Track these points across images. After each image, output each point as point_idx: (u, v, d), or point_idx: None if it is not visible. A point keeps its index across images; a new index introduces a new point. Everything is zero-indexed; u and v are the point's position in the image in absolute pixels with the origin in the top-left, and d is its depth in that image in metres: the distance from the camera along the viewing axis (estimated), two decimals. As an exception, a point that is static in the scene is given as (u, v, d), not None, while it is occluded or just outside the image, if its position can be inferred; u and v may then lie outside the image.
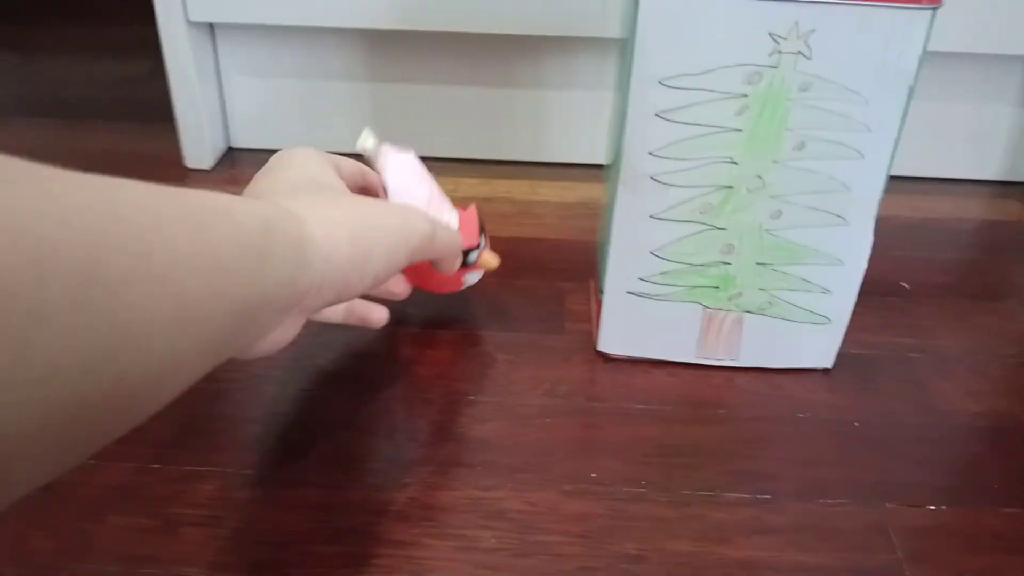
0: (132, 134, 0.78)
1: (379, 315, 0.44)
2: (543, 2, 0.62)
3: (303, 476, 0.41)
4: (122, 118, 0.81)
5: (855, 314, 0.48)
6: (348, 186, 0.38)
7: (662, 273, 0.47)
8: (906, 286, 0.58)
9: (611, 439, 0.45)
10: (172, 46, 0.66)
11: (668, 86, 0.40)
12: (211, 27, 0.69)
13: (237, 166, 0.72)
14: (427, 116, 0.72)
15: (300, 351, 0.49)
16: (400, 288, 0.45)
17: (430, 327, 0.53)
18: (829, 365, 0.50)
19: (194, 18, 0.65)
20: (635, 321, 0.49)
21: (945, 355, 0.52)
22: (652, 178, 0.43)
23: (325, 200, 0.34)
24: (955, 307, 0.57)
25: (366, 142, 0.45)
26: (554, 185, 0.71)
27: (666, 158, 0.42)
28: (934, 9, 0.38)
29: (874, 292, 0.57)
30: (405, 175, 0.45)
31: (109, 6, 1.12)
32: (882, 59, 0.39)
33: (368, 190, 0.44)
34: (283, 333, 0.31)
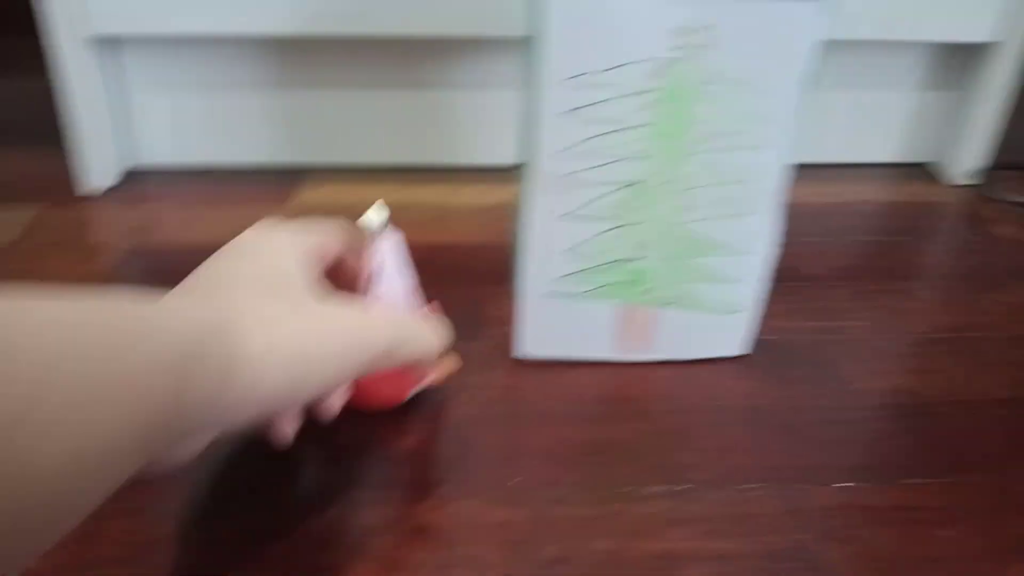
0: (24, 157, 0.74)
1: (283, 434, 0.37)
2: (449, 3, 0.62)
3: (219, 508, 0.40)
4: (12, 140, 0.78)
5: (768, 301, 0.49)
6: (328, 268, 0.36)
7: (577, 272, 0.47)
8: (812, 272, 0.60)
9: (531, 444, 0.44)
10: (67, 60, 0.63)
11: (577, 84, 0.40)
12: (111, 41, 0.66)
13: (141, 185, 0.70)
14: (339, 122, 0.71)
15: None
16: (333, 405, 0.39)
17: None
18: (741, 352, 0.51)
19: (95, 32, 0.62)
20: (552, 322, 0.49)
21: (854, 337, 0.53)
22: (563, 176, 0.43)
23: (283, 308, 0.31)
24: (863, 290, 0.59)
25: (373, 221, 0.42)
26: (471, 189, 0.70)
27: (576, 156, 0.42)
28: (829, 3, 0.39)
29: (786, 279, 0.58)
30: (392, 263, 0.42)
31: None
32: (777, 53, 0.40)
33: (345, 270, 0.41)
34: (195, 445, 0.29)
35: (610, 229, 0.45)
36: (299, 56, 0.68)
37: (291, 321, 0.31)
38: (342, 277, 0.40)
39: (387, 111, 0.70)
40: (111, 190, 0.69)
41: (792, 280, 0.59)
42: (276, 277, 0.33)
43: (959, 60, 0.72)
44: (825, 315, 0.56)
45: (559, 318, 0.48)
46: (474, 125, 0.71)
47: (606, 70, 0.40)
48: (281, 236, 0.36)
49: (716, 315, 0.49)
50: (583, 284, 0.47)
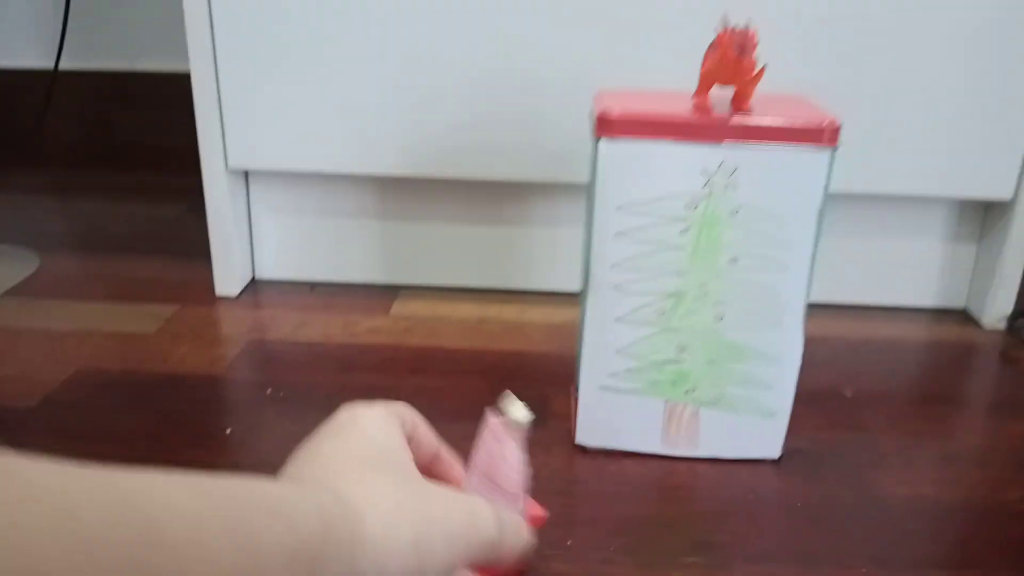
0: (164, 266, 0.88)
1: None
2: (529, 153, 0.74)
3: None
4: (155, 252, 0.92)
5: (804, 414, 0.55)
6: (418, 457, 0.36)
7: (627, 370, 0.54)
8: (848, 394, 0.66)
9: (585, 515, 0.51)
10: (212, 187, 0.77)
11: (624, 211, 0.50)
12: (245, 173, 0.80)
13: (261, 294, 0.82)
14: (430, 249, 0.82)
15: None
16: None
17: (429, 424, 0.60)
18: (776, 456, 0.56)
19: (233, 166, 0.76)
20: (607, 414, 0.56)
21: (883, 450, 0.59)
22: (615, 287, 0.52)
23: (390, 485, 0.32)
24: (894, 411, 0.64)
25: (509, 411, 0.42)
26: (541, 309, 0.80)
27: (625, 270, 0.51)
28: (832, 150, 0.48)
29: (821, 397, 0.65)
30: (515, 456, 0.41)
31: (145, 156, 1.26)
32: (794, 189, 0.49)
33: (438, 465, 0.41)
34: None
35: (655, 333, 0.53)
36: (399, 192, 0.80)
37: (406, 501, 0.31)
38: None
39: (471, 241, 0.82)
40: (237, 296, 0.81)
41: (829, 398, 0.65)
42: (380, 454, 0.33)
43: (986, 214, 0.79)
44: (857, 429, 0.61)
45: (613, 411, 0.56)
46: (546, 256, 0.82)
47: (648, 202, 0.49)
48: (375, 413, 0.36)
49: (753, 418, 0.55)
50: (633, 381, 0.55)
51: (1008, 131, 0.72)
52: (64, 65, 1.34)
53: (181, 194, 1.08)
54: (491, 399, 0.63)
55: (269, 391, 0.63)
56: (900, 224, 0.80)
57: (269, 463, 0.54)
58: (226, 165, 0.76)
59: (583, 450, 0.57)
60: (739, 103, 0.48)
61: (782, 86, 0.70)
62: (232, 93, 0.73)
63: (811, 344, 0.77)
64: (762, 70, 0.46)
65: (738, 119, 0.48)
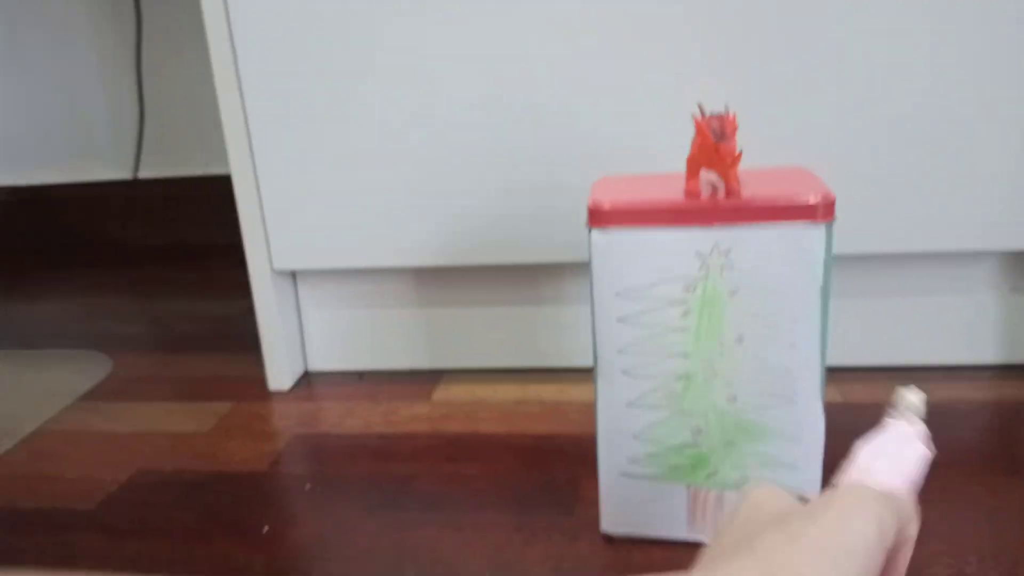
0: (224, 362, 0.92)
1: None
2: (557, 234, 0.75)
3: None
4: (217, 349, 0.97)
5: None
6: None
7: (646, 455, 0.54)
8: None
9: (606, 607, 0.50)
10: (259, 288, 0.81)
11: (623, 297, 0.50)
12: (292, 272, 0.84)
13: (312, 386, 0.85)
14: (470, 333, 0.84)
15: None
16: None
17: (453, 512, 0.61)
18: (812, 536, 0.54)
19: (278, 267, 0.80)
20: (630, 501, 0.55)
21: (924, 525, 0.56)
22: (623, 371, 0.52)
23: None
24: (938, 482, 0.61)
25: (911, 401, 0.40)
26: (580, 387, 0.80)
27: (631, 354, 0.52)
28: (829, 224, 0.48)
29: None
30: (908, 459, 0.38)
31: (216, 254, 1.34)
32: (793, 266, 0.48)
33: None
34: None
35: (668, 417, 0.53)
36: (438, 279, 0.83)
37: None
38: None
39: (510, 321, 0.83)
40: (289, 390, 0.84)
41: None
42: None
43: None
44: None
45: (635, 498, 0.55)
46: (583, 332, 0.82)
47: (645, 287, 0.50)
48: (867, 514, 0.31)
49: (780, 497, 0.53)
50: (652, 466, 0.54)
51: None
52: (143, 174, 1.45)
53: (246, 289, 1.14)
54: (522, 488, 0.63)
55: (308, 486, 0.66)
56: (954, 278, 0.77)
57: (300, 556, 0.56)
58: (271, 266, 0.80)
59: (609, 539, 0.57)
60: (726, 186, 0.48)
61: (795, 157, 0.70)
62: (273, 196, 0.78)
63: (857, 412, 0.75)
64: (739, 155, 0.46)
65: (727, 201, 0.48)
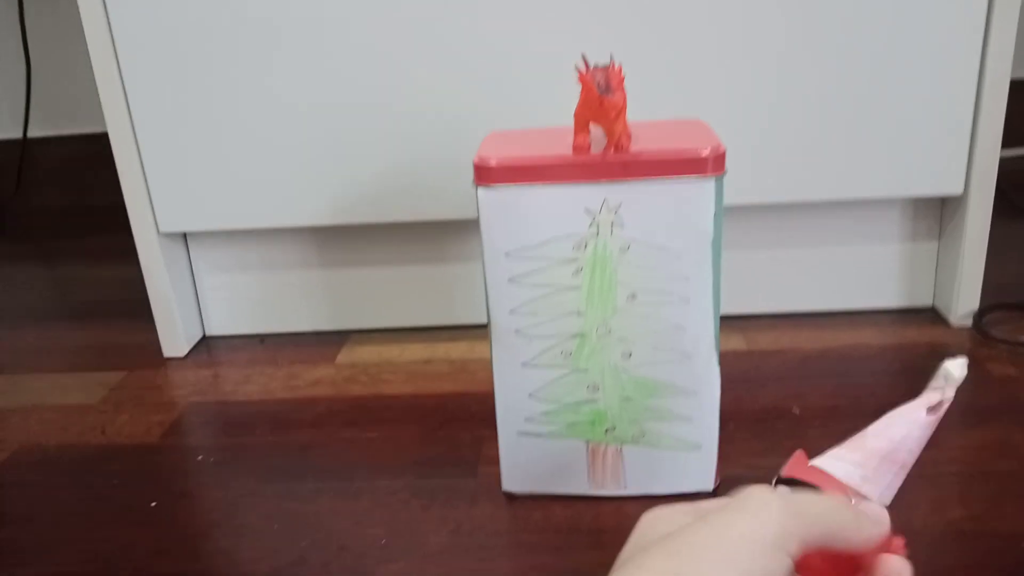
0: (122, 330, 0.88)
1: None
2: (459, 191, 0.73)
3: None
4: (117, 315, 0.92)
5: (744, 439, 0.53)
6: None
7: (543, 413, 0.53)
8: (796, 411, 0.64)
9: (504, 570, 0.50)
10: (145, 252, 0.77)
11: (513, 257, 0.49)
12: (183, 234, 0.80)
13: (211, 352, 0.82)
14: (376, 293, 0.81)
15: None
16: None
17: (351, 480, 0.59)
18: (710, 488, 0.55)
19: (164, 230, 0.76)
20: (530, 460, 0.55)
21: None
22: (516, 331, 0.51)
23: None
24: (840, 428, 0.62)
25: (951, 371, 0.41)
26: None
27: (524, 314, 0.50)
28: (719, 178, 0.47)
29: (765, 418, 0.63)
30: (920, 426, 0.41)
31: (122, 215, 1.27)
32: (683, 221, 0.47)
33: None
34: None
35: (565, 375, 0.52)
36: (340, 239, 0.80)
37: None
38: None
39: (417, 280, 0.81)
40: (185, 356, 0.80)
41: (776, 418, 0.63)
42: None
43: (943, 209, 0.76)
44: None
45: (535, 456, 0.54)
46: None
47: (535, 246, 0.48)
48: (768, 516, 0.30)
49: (678, 452, 0.53)
50: (550, 424, 0.53)
51: (950, 125, 0.70)
52: (34, 132, 1.36)
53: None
54: (424, 450, 0.62)
55: (200, 458, 0.63)
56: (858, 226, 0.77)
57: (188, 534, 0.53)
58: (157, 229, 0.76)
59: (511, 497, 0.56)
60: (612, 140, 0.46)
61: (693, 109, 0.69)
62: (155, 157, 0.73)
63: (760, 359, 0.75)
64: (623, 108, 0.44)
65: (614, 156, 0.46)
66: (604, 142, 0.47)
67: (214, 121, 0.72)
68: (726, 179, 0.47)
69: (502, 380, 0.53)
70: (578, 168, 0.46)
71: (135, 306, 0.93)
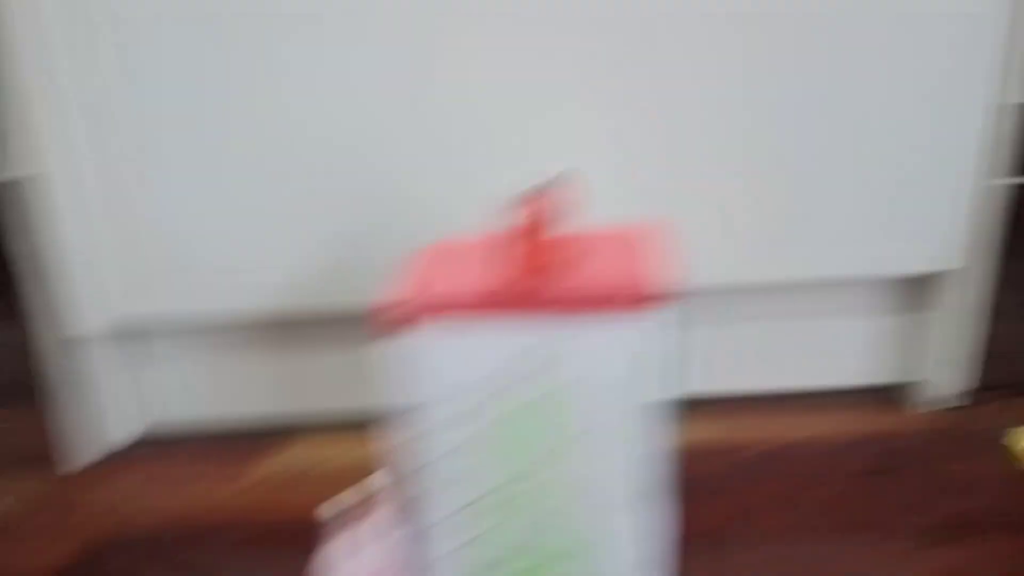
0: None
1: None
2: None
3: None
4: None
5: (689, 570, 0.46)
6: None
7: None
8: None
9: None
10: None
11: (419, 413, 0.41)
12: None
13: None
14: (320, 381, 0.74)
15: None
16: None
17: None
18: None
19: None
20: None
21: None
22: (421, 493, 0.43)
23: None
24: (802, 552, 0.55)
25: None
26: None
27: (429, 475, 0.42)
28: (662, 312, 0.39)
29: (713, 543, 0.56)
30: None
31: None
32: (616, 365, 0.40)
33: None
34: None
35: (474, 538, 0.44)
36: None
37: None
38: None
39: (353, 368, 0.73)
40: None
41: (720, 544, 0.56)
42: None
43: (921, 286, 0.71)
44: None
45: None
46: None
47: (446, 397, 0.41)
48: None
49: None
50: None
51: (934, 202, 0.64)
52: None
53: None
54: None
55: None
56: (832, 304, 0.71)
57: None
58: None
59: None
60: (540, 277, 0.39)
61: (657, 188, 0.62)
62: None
63: (707, 459, 0.66)
64: (548, 258, 0.37)
65: (540, 293, 0.39)
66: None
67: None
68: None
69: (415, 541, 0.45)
70: (500, 304, 0.39)
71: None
